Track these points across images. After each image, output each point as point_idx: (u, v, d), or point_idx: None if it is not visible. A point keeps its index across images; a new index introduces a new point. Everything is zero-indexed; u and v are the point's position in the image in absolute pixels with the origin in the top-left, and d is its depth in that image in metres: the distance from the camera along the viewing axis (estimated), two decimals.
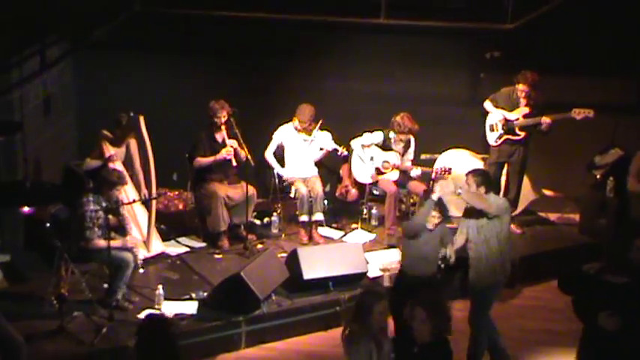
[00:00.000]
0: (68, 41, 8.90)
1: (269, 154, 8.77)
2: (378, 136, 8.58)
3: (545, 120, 8.34)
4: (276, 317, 7.30)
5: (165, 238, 8.36)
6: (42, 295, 7.09)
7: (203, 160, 8.34)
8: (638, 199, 7.75)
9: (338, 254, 7.73)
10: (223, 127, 8.30)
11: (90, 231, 7.00)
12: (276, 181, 8.90)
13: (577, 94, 9.01)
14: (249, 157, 8.30)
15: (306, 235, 8.60)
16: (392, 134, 8.53)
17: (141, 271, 7.72)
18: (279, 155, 8.81)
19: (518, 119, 8.52)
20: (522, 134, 8.56)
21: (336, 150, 8.59)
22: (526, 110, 8.51)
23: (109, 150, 8.04)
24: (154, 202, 8.02)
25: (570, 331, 7.50)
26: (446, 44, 9.25)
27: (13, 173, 7.88)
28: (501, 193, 8.91)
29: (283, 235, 8.75)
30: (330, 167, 9.13)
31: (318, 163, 8.86)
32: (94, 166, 8.00)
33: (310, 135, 8.65)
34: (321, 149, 8.74)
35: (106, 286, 7.16)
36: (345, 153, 8.64)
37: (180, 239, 8.52)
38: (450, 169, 8.73)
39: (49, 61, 8.30)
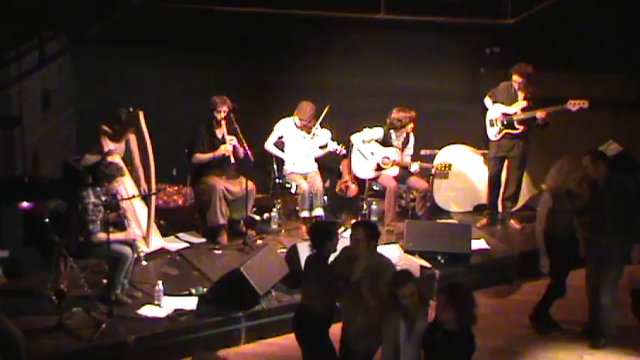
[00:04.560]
0: (67, 36, 8.88)
1: (270, 145, 8.76)
2: (378, 132, 8.57)
3: (540, 114, 8.34)
4: (276, 312, 7.27)
5: (164, 233, 8.34)
6: (41, 291, 7.08)
7: (201, 156, 8.32)
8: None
9: (337, 250, 7.70)
10: (223, 123, 8.29)
11: (92, 224, 6.96)
12: (276, 176, 8.89)
13: (577, 89, 8.98)
14: (248, 152, 8.29)
15: (306, 230, 8.59)
16: (392, 131, 8.53)
17: (144, 263, 7.72)
18: (279, 149, 8.81)
19: (516, 113, 8.52)
20: (521, 128, 8.54)
21: (335, 150, 8.60)
22: (524, 104, 8.50)
23: (109, 145, 8.03)
24: (153, 197, 8.00)
25: (568, 325, 7.54)
26: (446, 39, 9.22)
27: (12, 168, 7.86)
28: (502, 188, 8.92)
29: (283, 231, 8.73)
30: (330, 163, 9.11)
31: (317, 160, 8.85)
32: (92, 161, 7.98)
33: (310, 133, 8.64)
34: (322, 147, 8.72)
35: (105, 281, 7.15)
36: (344, 152, 8.63)
37: (179, 235, 8.50)
38: (449, 164, 8.77)
39: (48, 56, 8.28)
